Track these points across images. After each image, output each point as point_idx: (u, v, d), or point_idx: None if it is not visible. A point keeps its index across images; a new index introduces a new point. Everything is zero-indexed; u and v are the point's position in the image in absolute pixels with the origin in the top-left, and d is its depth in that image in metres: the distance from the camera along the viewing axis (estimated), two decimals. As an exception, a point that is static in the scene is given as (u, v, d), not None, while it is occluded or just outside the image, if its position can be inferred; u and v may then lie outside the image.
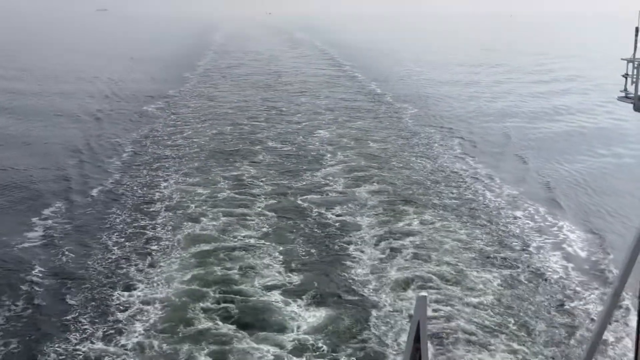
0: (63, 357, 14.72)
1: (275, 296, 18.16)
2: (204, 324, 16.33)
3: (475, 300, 18.12)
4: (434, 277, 19.52)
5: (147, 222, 24.13)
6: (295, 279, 19.40)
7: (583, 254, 22.01)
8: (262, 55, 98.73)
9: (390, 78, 71.73)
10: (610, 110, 48.59)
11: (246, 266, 20.08)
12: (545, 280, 19.82)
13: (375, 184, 29.83)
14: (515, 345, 15.83)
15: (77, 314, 16.79)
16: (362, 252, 21.66)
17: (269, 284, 18.93)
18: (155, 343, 15.36)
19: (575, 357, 15.25)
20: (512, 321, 16.93)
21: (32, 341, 15.40)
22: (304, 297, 18.14)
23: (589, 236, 23.62)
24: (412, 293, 18.30)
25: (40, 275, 19.12)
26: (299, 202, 27.21)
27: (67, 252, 20.90)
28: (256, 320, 16.68)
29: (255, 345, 15.36)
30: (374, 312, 17.32)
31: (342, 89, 63.00)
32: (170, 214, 25.13)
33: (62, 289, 18.22)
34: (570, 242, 23.04)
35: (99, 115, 47.06)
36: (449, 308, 17.48)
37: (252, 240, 22.39)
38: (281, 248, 21.76)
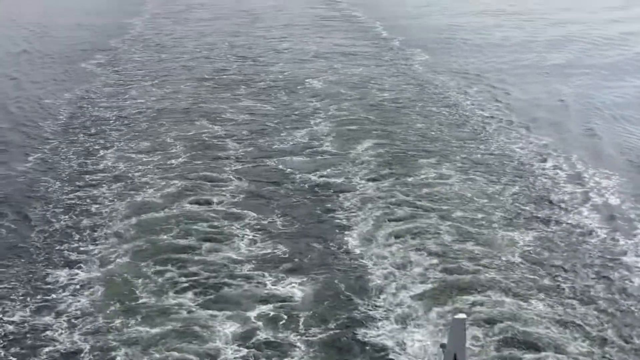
0: None
1: (246, 270, 19.66)
2: (155, 301, 17.89)
3: (505, 260, 20.14)
4: (454, 235, 21.57)
5: (88, 193, 25.82)
6: (271, 251, 20.96)
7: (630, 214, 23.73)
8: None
9: (400, 17, 73.20)
10: None
11: (210, 238, 21.60)
12: (588, 239, 21.70)
13: (378, 139, 31.74)
14: (556, 311, 17.54)
15: (7, 289, 18.67)
16: (358, 213, 23.54)
17: (238, 256, 20.45)
18: (96, 320, 17.01)
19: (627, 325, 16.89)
20: (552, 285, 18.87)
21: None
22: (281, 270, 19.69)
23: None
24: (423, 259, 20.02)
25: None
26: (279, 165, 28.74)
27: (-3, 227, 22.65)
28: (221, 297, 18.24)
29: (219, 324, 16.90)
30: (370, 288, 18.87)
31: (337, 32, 64.36)
32: (114, 184, 26.64)
33: None
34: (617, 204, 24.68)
35: (20, 75, 48.36)
36: (475, 273, 19.35)
37: (217, 209, 23.88)
38: (254, 216, 23.35)
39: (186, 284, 18.65)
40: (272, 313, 17.43)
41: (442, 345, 15.25)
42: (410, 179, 26.42)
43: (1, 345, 16.31)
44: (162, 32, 65.55)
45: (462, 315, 8.43)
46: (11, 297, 18.29)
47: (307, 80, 44.22)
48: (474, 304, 17.89)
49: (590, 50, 56.87)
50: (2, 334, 16.72)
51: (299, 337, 16.61)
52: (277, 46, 57.28)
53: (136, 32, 66.06)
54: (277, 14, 77.74)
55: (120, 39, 61.60)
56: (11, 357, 15.99)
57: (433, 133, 32.67)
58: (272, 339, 16.39)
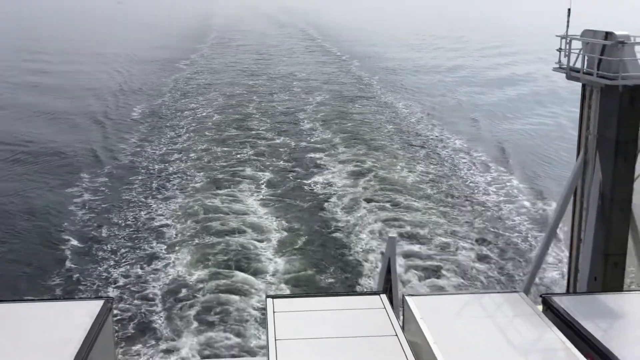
0: (101, 278, 16.63)
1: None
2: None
3: (425, 221, 19.80)
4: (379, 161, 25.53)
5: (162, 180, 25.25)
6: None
7: (522, 192, 23.27)
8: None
9: (350, 42, 78.91)
10: (548, 79, 46.30)
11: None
12: (491, 215, 21.32)
13: (325, 95, 41.73)
14: (468, 268, 16.81)
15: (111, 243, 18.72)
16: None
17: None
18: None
19: (518, 279, 16.11)
20: (465, 249, 18.07)
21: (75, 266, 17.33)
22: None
23: (530, 179, 24.76)
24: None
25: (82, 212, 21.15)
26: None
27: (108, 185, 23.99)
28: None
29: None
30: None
31: (313, 53, 71.26)
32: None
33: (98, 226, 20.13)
34: (513, 187, 24.08)
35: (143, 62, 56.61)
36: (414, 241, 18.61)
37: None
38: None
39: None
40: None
41: (382, 253, 14.96)
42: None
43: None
44: (223, 50, 72.89)
45: (394, 234, 8.31)
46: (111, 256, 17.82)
47: (297, 72, 53.86)
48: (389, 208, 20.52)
49: (469, 72, 56.18)
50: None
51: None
52: (282, 58, 65.65)
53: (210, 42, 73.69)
54: (284, 42, 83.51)
55: (188, 61, 62.93)
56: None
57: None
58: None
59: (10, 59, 61.22)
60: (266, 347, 7.21)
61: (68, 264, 17.03)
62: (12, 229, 19.68)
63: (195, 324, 14.14)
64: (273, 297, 8.44)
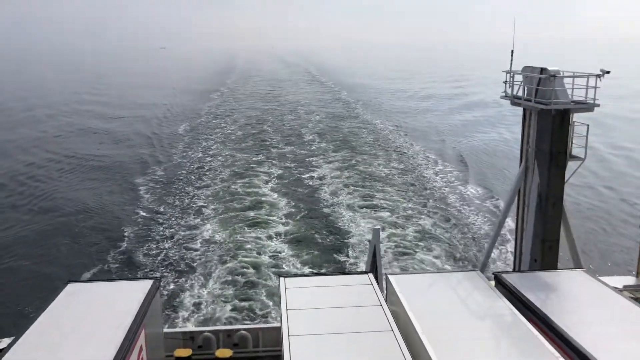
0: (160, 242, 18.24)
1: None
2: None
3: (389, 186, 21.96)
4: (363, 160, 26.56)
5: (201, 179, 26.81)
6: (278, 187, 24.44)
7: (478, 194, 23.83)
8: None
9: (345, 76, 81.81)
10: (497, 105, 46.57)
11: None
12: (450, 207, 21.95)
13: (322, 112, 43.41)
14: (435, 250, 17.38)
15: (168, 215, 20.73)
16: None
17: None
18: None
19: (474, 259, 16.63)
20: (432, 235, 18.45)
21: (139, 239, 18.90)
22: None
23: (483, 183, 25.34)
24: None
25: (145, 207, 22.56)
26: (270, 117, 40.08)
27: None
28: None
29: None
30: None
31: (312, 85, 73.70)
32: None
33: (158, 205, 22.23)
34: (467, 187, 24.84)
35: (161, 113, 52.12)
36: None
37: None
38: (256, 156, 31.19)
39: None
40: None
41: (369, 241, 14.64)
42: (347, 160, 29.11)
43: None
44: (241, 86, 74.27)
45: (378, 227, 8.24)
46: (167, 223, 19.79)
47: (301, 100, 55.74)
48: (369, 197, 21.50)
49: (436, 101, 56.44)
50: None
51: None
52: (289, 89, 67.56)
53: (230, 85, 75.27)
54: (291, 78, 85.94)
55: (219, 93, 64.70)
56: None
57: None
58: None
59: (78, 91, 63.57)
60: (279, 316, 7.71)
61: (132, 236, 18.71)
62: (88, 218, 21.29)
63: (220, 267, 15.87)
64: (285, 276, 8.75)
